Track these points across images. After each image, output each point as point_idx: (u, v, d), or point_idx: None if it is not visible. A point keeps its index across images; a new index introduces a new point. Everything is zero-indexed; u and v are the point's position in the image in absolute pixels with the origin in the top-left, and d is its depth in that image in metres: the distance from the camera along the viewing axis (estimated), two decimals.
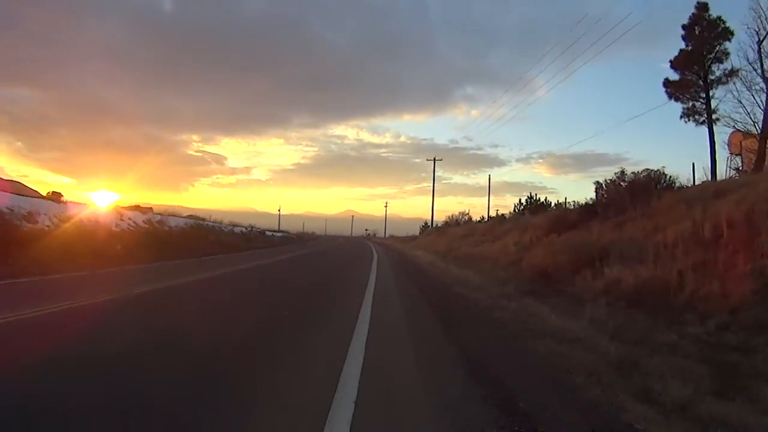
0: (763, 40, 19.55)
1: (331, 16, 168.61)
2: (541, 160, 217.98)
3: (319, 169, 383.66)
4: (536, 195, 38.05)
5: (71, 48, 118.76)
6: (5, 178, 31.97)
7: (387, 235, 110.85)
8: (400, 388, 4.04)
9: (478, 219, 58.12)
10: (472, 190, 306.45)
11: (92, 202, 25.05)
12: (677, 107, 23.03)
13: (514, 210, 39.55)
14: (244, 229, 50.19)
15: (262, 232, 56.38)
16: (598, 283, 9.33)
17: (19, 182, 32.38)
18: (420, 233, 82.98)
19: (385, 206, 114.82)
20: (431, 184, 57.21)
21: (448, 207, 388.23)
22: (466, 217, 55.34)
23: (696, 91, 22.55)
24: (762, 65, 19.33)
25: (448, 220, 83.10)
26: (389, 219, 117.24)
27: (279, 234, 71.45)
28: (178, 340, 5.35)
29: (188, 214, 71.26)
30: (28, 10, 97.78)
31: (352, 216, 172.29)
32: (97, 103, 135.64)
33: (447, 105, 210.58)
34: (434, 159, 59.97)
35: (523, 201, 38.83)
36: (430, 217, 59.60)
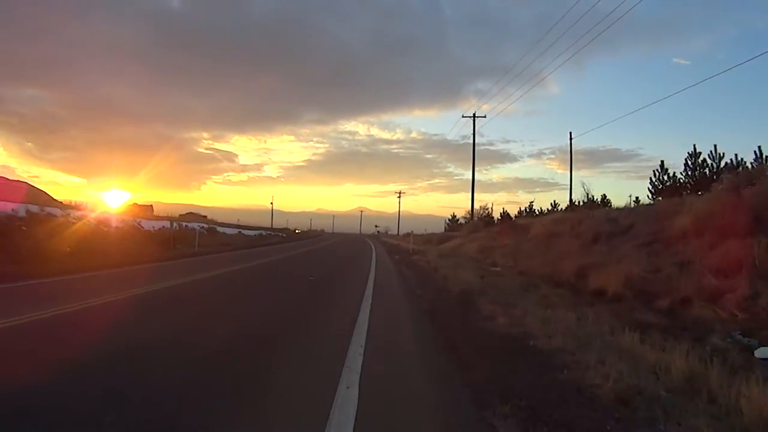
0: None
1: (341, 13, 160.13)
2: (553, 156, 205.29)
3: (330, 166, 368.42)
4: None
5: (80, 47, 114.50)
6: (12, 179, 31.32)
7: (401, 232, 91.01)
8: None
9: (549, 208, 37.91)
10: (485, 187, 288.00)
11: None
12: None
13: (687, 179, 19.20)
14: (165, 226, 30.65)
15: (209, 230, 36.94)
16: None
17: (26, 183, 31.10)
18: (447, 230, 63.01)
19: (399, 197, 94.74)
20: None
21: (459, 204, 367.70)
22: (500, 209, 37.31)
23: None
24: None
25: (467, 215, 62.95)
26: (401, 215, 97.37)
27: (253, 233, 52.34)
28: None
29: (188, 211, 68.48)
30: (36, 10, 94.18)
31: (361, 212, 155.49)
32: (107, 102, 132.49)
33: (458, 100, 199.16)
34: (473, 116, 39.82)
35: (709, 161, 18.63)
36: (470, 205, 39.52)
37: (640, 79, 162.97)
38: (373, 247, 33.13)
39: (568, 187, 30.15)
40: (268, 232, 61.83)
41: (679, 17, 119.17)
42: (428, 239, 47.22)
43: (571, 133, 36.23)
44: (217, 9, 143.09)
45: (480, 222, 34.81)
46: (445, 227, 63.40)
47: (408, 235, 72.02)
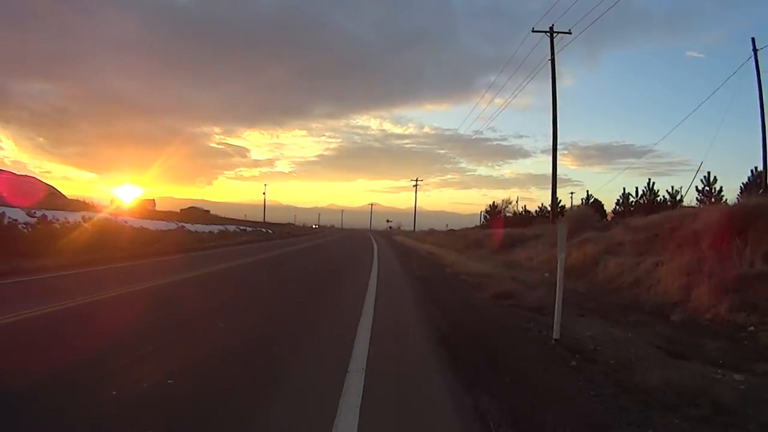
0: None
1: (351, 5, 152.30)
2: (566, 152, 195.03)
3: (343, 161, 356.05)
4: None
5: (89, 41, 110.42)
6: (20, 173, 31.39)
7: (418, 228, 74.26)
8: None
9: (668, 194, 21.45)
10: (497, 183, 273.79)
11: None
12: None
13: None
14: None
15: (102, 225, 21.27)
16: None
17: (34, 177, 30.97)
18: (486, 225, 46.37)
19: (415, 185, 78.09)
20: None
21: (472, 200, 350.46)
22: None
23: None
24: None
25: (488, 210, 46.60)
26: (412, 212, 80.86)
27: (214, 228, 36.49)
28: None
29: (190, 206, 63.52)
30: (44, 3, 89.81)
31: (371, 205, 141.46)
32: (117, 96, 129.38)
33: (470, 94, 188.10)
34: (551, 32, 23.38)
35: None
36: (551, 183, 23.02)
37: (654, 73, 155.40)
38: (375, 269, 14.09)
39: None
40: (244, 227, 45.89)
41: (694, 9, 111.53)
42: (466, 241, 30.80)
43: (753, 40, 19.81)
44: (226, 1, 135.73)
45: (588, 211, 18.19)
46: (483, 221, 46.88)
47: (431, 232, 55.21)
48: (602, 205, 28.19)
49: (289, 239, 40.25)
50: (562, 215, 22.80)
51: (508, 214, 40.82)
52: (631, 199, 25.99)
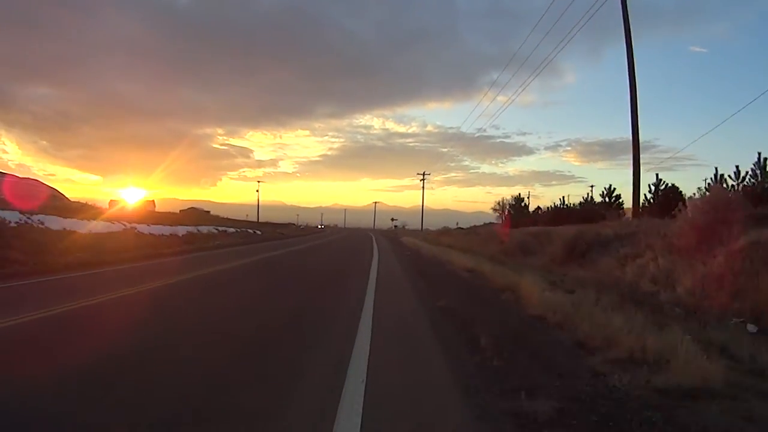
0: None
1: (353, 5, 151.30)
2: (569, 148, 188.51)
3: (346, 160, 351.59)
4: None
5: (91, 44, 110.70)
6: (23, 176, 27.81)
7: (425, 227, 66.97)
8: None
9: None
10: (501, 180, 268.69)
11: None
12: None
13: None
14: None
15: None
16: None
17: (37, 180, 28.75)
18: (506, 222, 39.16)
19: (422, 179, 70.87)
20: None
21: (476, 197, 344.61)
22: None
23: None
24: None
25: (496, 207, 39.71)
26: (416, 211, 73.75)
27: (181, 230, 29.68)
28: None
29: (190, 207, 65.17)
30: (46, 7, 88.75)
31: (375, 204, 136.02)
32: (120, 99, 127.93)
33: (473, 92, 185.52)
34: None
35: None
36: (633, 174, 16.07)
37: (657, 68, 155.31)
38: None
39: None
40: (225, 228, 38.95)
41: (698, 4, 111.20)
42: (501, 245, 23.94)
43: None
44: (228, 3, 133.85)
45: (723, 195, 11.14)
46: (507, 216, 39.87)
47: (446, 231, 47.93)
48: (681, 193, 21.29)
49: (274, 242, 33.49)
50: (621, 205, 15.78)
51: (538, 209, 33.78)
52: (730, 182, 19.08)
